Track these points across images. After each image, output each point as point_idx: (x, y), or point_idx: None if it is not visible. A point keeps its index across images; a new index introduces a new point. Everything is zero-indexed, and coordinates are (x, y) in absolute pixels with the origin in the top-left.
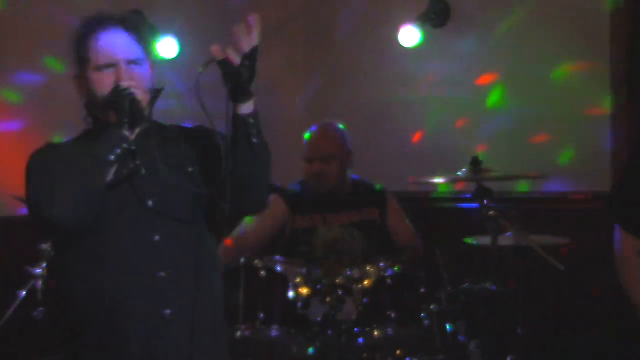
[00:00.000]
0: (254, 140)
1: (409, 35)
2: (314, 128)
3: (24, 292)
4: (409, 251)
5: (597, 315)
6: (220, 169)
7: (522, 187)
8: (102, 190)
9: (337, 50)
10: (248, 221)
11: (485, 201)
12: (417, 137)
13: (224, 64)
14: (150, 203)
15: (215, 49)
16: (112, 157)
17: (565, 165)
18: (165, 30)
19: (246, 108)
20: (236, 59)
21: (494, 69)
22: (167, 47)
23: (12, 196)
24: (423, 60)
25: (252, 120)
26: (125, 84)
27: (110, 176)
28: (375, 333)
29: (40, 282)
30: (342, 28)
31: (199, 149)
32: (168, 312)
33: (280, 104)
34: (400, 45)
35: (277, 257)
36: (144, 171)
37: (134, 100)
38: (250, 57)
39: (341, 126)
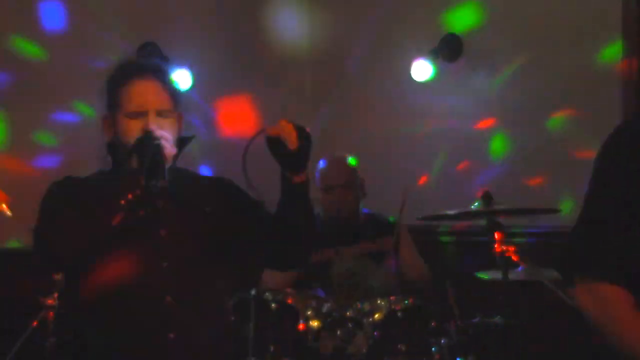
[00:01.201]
0: (303, 206)
1: (422, 69)
2: (324, 160)
3: (36, 322)
4: (421, 284)
5: (608, 352)
6: (244, 222)
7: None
8: (108, 230)
9: (346, 83)
10: None
11: (495, 235)
12: (424, 175)
13: (276, 144)
14: (162, 243)
15: (271, 131)
16: (123, 201)
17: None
18: (179, 63)
19: (299, 178)
20: (291, 144)
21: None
22: (180, 79)
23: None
24: (438, 91)
25: (303, 190)
26: (156, 132)
27: (118, 220)
28: None
29: (51, 313)
30: (349, 61)
31: (228, 198)
32: (173, 336)
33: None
34: (412, 79)
35: (288, 290)
36: (163, 209)
37: (158, 151)
38: (307, 141)
39: (350, 159)
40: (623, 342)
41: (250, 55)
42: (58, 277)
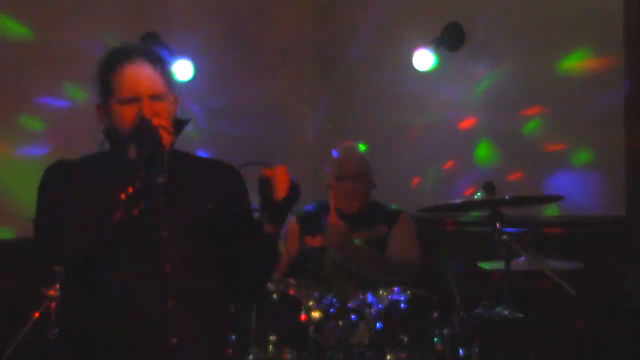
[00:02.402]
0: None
1: (424, 59)
2: (336, 151)
3: (37, 314)
4: (405, 268)
5: (610, 339)
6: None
7: (551, 211)
8: (109, 227)
9: (348, 73)
10: None
11: (498, 225)
12: (442, 162)
13: (265, 184)
14: (164, 233)
15: (266, 171)
16: (124, 196)
17: (579, 191)
18: (180, 53)
19: (271, 227)
20: (279, 192)
21: (511, 89)
22: (182, 69)
23: (30, 218)
24: (439, 84)
25: (270, 239)
26: (153, 121)
27: (119, 214)
28: (388, 357)
29: (54, 304)
30: (350, 52)
31: (229, 184)
32: (175, 341)
33: (289, 129)
34: (414, 68)
35: (290, 281)
36: (156, 207)
37: (158, 142)
38: (294, 197)
39: (362, 147)
40: None
41: (252, 45)
42: (59, 268)
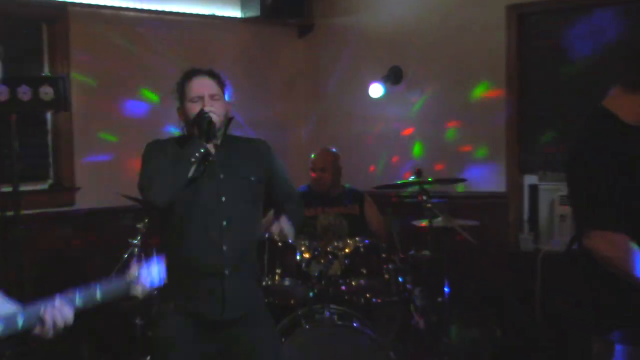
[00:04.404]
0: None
1: (376, 90)
2: (314, 152)
3: (126, 255)
4: (379, 232)
5: (496, 270)
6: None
7: (461, 188)
8: (186, 181)
9: (328, 98)
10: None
11: (424, 197)
12: (381, 153)
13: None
14: (223, 199)
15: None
16: (193, 159)
17: (478, 172)
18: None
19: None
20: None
21: (433, 110)
22: None
23: (120, 194)
24: (386, 107)
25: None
26: (207, 109)
27: (191, 172)
28: (353, 283)
29: (136, 249)
30: (330, 82)
31: (268, 158)
32: (227, 271)
33: (290, 136)
34: (370, 96)
35: None
36: (217, 170)
37: (210, 122)
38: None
39: (334, 149)
40: (626, 269)
41: (262, 78)
42: (140, 226)
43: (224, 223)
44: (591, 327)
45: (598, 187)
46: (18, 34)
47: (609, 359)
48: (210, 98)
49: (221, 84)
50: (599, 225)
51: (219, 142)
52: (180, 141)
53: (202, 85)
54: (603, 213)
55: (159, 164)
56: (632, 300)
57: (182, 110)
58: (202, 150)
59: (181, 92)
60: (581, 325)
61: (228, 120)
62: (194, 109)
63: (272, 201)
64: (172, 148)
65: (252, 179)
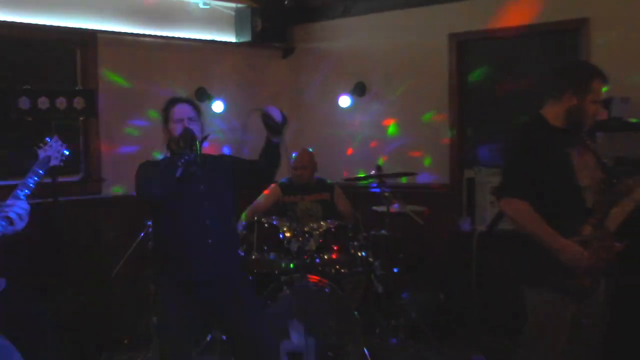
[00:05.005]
0: (278, 151)
1: (345, 101)
2: (296, 153)
3: (143, 233)
4: (349, 215)
5: (441, 246)
6: (244, 172)
7: (404, 180)
8: (174, 181)
9: (306, 108)
10: (260, 198)
11: (382, 187)
12: (349, 152)
13: (269, 117)
14: (202, 188)
15: (261, 109)
16: (179, 163)
17: (426, 168)
18: (217, 97)
19: (276, 139)
20: (277, 118)
21: (391, 117)
22: (217, 106)
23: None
24: (353, 114)
25: (279, 143)
26: (189, 127)
27: (178, 174)
28: (325, 257)
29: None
30: (307, 95)
31: (229, 163)
32: (211, 241)
33: None
34: (340, 106)
35: (274, 217)
36: (198, 173)
37: (193, 135)
38: (284, 121)
39: (310, 149)
40: (531, 229)
41: (253, 92)
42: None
43: (204, 205)
44: (524, 281)
45: (515, 167)
46: (57, 56)
47: (540, 308)
48: (189, 120)
49: (197, 109)
50: (508, 193)
51: (198, 152)
52: (167, 159)
53: (182, 111)
54: (513, 185)
55: (152, 172)
56: (552, 255)
57: (167, 129)
58: (187, 158)
59: (166, 115)
60: (515, 280)
61: (204, 137)
62: (176, 129)
63: (250, 169)
64: (162, 162)
65: (222, 172)
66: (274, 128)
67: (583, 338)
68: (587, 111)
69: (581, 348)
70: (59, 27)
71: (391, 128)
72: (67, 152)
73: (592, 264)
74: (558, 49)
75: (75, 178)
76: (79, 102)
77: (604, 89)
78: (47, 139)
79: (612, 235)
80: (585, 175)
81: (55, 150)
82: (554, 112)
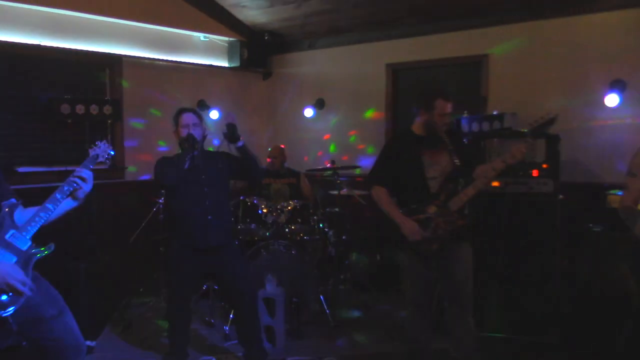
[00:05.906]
0: (246, 154)
1: (309, 112)
2: (270, 147)
3: (155, 208)
4: (309, 195)
5: (378, 220)
6: (236, 168)
7: (357, 171)
8: (183, 171)
9: (280, 117)
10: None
11: (336, 176)
12: (312, 149)
13: (227, 131)
14: (203, 177)
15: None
16: (187, 158)
17: (370, 155)
18: (214, 107)
19: (239, 143)
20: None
21: (343, 123)
22: (214, 114)
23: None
24: (315, 122)
25: (243, 147)
26: (193, 133)
27: (186, 166)
28: (293, 227)
29: (162, 205)
30: (281, 107)
31: (225, 160)
32: (210, 217)
33: (255, 139)
34: (305, 116)
35: (254, 197)
36: (201, 165)
37: (195, 139)
38: (232, 130)
39: (282, 145)
40: (383, 209)
41: (240, 103)
42: (163, 191)
43: (205, 189)
44: (397, 246)
45: (379, 163)
46: (90, 74)
47: (402, 264)
48: (193, 126)
49: (199, 117)
50: (371, 181)
51: (199, 150)
52: (178, 154)
53: (188, 118)
54: (375, 176)
55: (167, 164)
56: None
57: (177, 132)
58: (191, 154)
59: (176, 121)
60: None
61: (204, 138)
62: (183, 132)
63: (242, 167)
64: (175, 157)
65: (219, 165)
66: (227, 137)
67: (429, 286)
68: (437, 123)
69: (427, 295)
70: (93, 52)
71: (339, 128)
72: (112, 153)
73: (429, 234)
74: (467, 76)
75: (104, 166)
76: (107, 109)
77: (448, 104)
78: (97, 142)
79: (453, 213)
80: (434, 169)
81: (103, 150)
82: (417, 125)
